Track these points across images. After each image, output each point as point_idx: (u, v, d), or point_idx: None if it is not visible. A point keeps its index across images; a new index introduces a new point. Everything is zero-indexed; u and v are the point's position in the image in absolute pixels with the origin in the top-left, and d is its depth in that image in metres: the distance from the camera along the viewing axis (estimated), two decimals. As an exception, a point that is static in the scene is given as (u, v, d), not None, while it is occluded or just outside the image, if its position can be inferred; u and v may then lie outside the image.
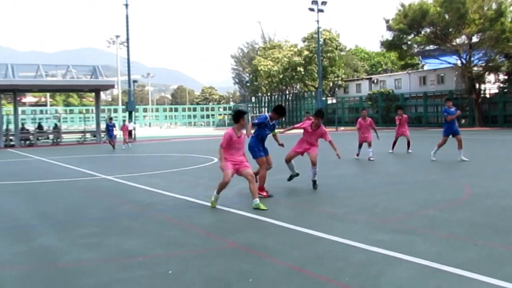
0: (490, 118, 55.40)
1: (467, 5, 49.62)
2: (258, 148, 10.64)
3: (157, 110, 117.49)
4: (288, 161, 11.40)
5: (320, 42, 63.35)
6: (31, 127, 48.81)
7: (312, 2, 57.00)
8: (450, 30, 53.22)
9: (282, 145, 11.38)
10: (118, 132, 34.19)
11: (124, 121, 37.30)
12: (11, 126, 40.87)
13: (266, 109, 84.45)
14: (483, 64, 55.31)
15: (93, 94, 45.88)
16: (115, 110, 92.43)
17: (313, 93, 73.10)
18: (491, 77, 59.66)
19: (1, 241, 7.39)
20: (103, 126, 39.19)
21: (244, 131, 9.92)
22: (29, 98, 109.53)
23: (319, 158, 11.42)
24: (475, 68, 55.76)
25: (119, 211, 9.81)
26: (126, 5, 46.00)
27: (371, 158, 17.99)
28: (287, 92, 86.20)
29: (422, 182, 12.74)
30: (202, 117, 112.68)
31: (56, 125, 45.90)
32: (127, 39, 47.98)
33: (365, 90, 73.15)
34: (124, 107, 69.24)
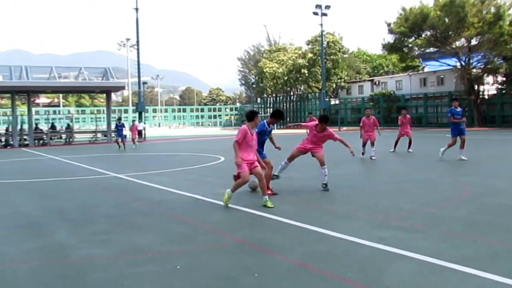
0: (489, 119, 55.26)
1: (466, 9, 49.51)
2: (258, 150, 10.66)
3: (166, 110, 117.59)
4: (290, 160, 11.26)
5: (324, 45, 63.31)
6: (44, 127, 48.91)
7: (316, 6, 56.98)
8: (450, 33, 53.10)
9: (278, 148, 11.35)
10: (128, 132, 34.22)
11: (133, 121, 37.29)
12: (25, 126, 41.03)
13: (271, 109, 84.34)
14: (482, 66, 55.16)
15: (104, 95, 46.03)
16: (126, 111, 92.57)
17: (317, 94, 73.02)
18: (489, 79, 59.54)
19: (15, 238, 7.42)
20: (114, 126, 39.29)
21: (255, 130, 9.94)
22: (42, 99, 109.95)
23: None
24: (474, 70, 55.63)
25: (129, 208, 9.82)
26: (136, 9, 46.09)
27: (373, 157, 17.96)
28: (291, 93, 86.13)
29: (423, 181, 12.70)
30: (210, 117, 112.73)
31: (68, 125, 46.05)
32: (137, 42, 48.04)
33: (367, 91, 73.05)
34: (134, 107, 69.29)
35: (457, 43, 54.82)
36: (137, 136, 35.39)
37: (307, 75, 76.21)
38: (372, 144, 18.33)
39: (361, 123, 19.13)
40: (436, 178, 13.11)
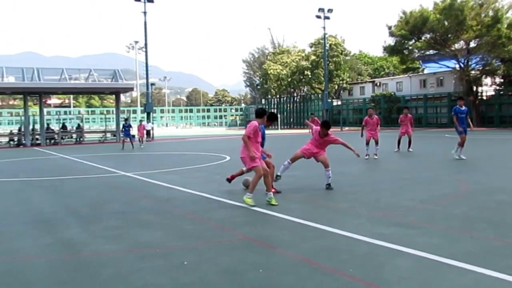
0: (487, 119, 55.11)
1: (465, 12, 49.40)
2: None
3: (173, 111, 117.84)
4: (293, 160, 11.06)
5: (326, 48, 63.22)
6: (55, 127, 49.09)
7: (319, 10, 56.96)
8: (449, 36, 53.00)
9: (269, 155, 11.21)
10: (136, 133, 34.22)
11: (140, 121, 37.32)
12: (37, 126, 41.13)
13: (275, 110, 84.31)
14: (480, 68, 55.04)
15: (114, 96, 46.04)
16: (134, 111, 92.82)
17: (320, 95, 72.91)
18: (487, 80, 59.41)
19: (29, 234, 7.47)
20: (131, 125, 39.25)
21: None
22: (53, 99, 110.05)
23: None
24: (473, 72, 55.51)
25: (138, 205, 9.85)
26: (145, 13, 46.13)
27: (375, 157, 17.93)
28: (295, 95, 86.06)
29: (422, 178, 12.71)
30: (215, 117, 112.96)
31: (79, 125, 46.19)
32: (146, 44, 48.10)
33: (369, 92, 72.95)
34: (142, 108, 69.43)
35: (456, 46, 54.72)
36: (145, 135, 35.37)
37: (310, 76, 76.21)
38: (376, 143, 18.25)
39: (363, 122, 19.03)
40: (434, 176, 13.10)
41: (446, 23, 51.65)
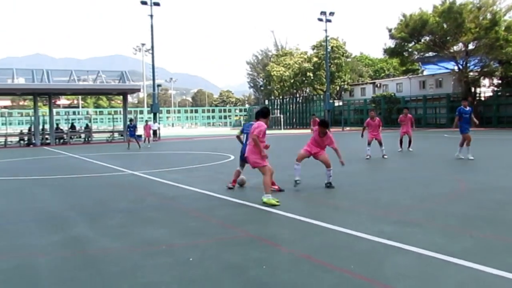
0: (485, 119, 54.96)
1: (464, 15, 49.29)
2: None
3: (179, 111, 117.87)
4: (299, 160, 10.88)
5: (328, 50, 63.17)
6: (64, 127, 49.09)
7: (321, 13, 56.90)
8: (448, 38, 52.88)
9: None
10: (142, 133, 34.21)
11: (146, 121, 37.36)
12: (47, 126, 41.21)
13: (278, 111, 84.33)
14: (479, 70, 54.93)
15: (121, 97, 46.09)
16: (141, 112, 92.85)
17: (322, 96, 72.82)
18: (486, 81, 59.32)
19: (37, 231, 7.47)
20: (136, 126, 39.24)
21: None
22: (63, 100, 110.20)
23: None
24: (471, 73, 55.40)
25: (144, 203, 9.86)
26: (151, 16, 46.14)
27: (385, 156, 17.82)
28: (297, 96, 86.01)
29: (421, 178, 12.68)
30: (220, 118, 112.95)
31: (87, 125, 46.27)
32: (152, 47, 48.11)
33: (369, 93, 72.85)
34: (149, 108, 69.45)
35: (455, 48, 54.63)
36: (151, 135, 35.33)
37: (312, 78, 76.16)
38: (380, 144, 18.11)
39: (365, 124, 18.92)
40: (434, 175, 13.07)
41: (445, 25, 51.54)
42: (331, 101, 64.70)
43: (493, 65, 53.83)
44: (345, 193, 10.44)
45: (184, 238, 6.78)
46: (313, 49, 79.08)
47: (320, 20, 57.19)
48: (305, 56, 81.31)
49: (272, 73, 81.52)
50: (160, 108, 64.27)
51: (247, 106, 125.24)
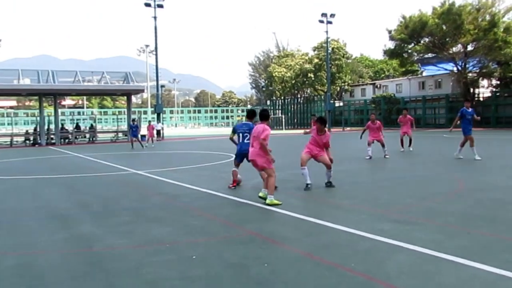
0: (484, 120, 54.83)
1: (463, 16, 49.19)
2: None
3: (182, 112, 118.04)
4: (304, 164, 10.65)
5: (329, 51, 63.13)
6: (69, 127, 49.25)
7: (322, 15, 56.87)
8: (447, 39, 52.78)
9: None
10: (145, 132, 34.19)
11: (149, 121, 37.37)
12: (52, 126, 41.25)
13: (280, 111, 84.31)
14: (477, 71, 54.82)
15: (125, 97, 46.23)
16: (145, 112, 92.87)
17: (322, 97, 72.77)
18: (484, 82, 59.23)
19: (45, 229, 7.49)
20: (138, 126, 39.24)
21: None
22: (68, 101, 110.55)
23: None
24: (470, 74, 55.30)
25: (149, 202, 9.88)
26: (155, 18, 46.16)
27: (387, 156, 17.80)
28: (298, 96, 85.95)
29: (420, 177, 12.68)
30: (223, 118, 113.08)
31: (92, 125, 46.26)
32: (156, 48, 48.14)
33: (369, 94, 72.76)
34: (152, 109, 69.53)
35: (454, 49, 54.51)
36: (154, 135, 35.29)
37: (313, 79, 76.10)
38: (382, 145, 18.04)
39: (365, 127, 18.83)
40: (433, 174, 13.07)
41: (444, 27, 51.44)
42: (331, 101, 64.65)
43: (492, 66, 53.73)
44: (345, 192, 10.44)
45: (187, 236, 6.80)
46: (314, 50, 79.01)
47: (321, 22, 57.17)
48: (306, 58, 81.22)
49: (274, 74, 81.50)
50: (164, 109, 64.41)
51: (249, 106, 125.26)
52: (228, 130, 71.06)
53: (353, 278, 4.82)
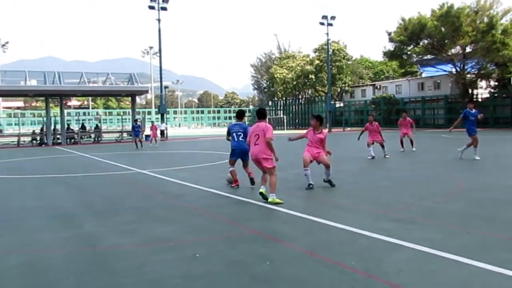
0: (482, 120, 54.73)
1: (461, 19, 49.11)
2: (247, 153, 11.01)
3: (185, 112, 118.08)
4: (306, 165, 10.61)
5: (330, 53, 63.07)
6: (75, 127, 49.28)
7: (323, 17, 56.79)
8: (446, 41, 52.67)
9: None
10: (149, 132, 34.21)
11: (152, 122, 37.38)
12: (58, 126, 41.31)
13: (281, 112, 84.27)
14: (476, 72, 54.70)
15: (130, 98, 46.24)
16: (149, 113, 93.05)
17: (323, 98, 72.70)
18: (483, 83, 59.08)
19: (49, 227, 7.50)
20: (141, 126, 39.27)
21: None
22: (73, 101, 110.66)
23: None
24: (468, 75, 55.17)
25: (152, 201, 9.88)
26: (159, 20, 46.16)
27: (387, 156, 17.78)
28: (300, 97, 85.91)
29: (420, 176, 12.65)
30: (225, 118, 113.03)
31: (97, 125, 46.28)
32: (160, 50, 48.16)
33: (369, 95, 72.73)
34: (156, 109, 69.61)
35: (453, 51, 54.39)
36: (157, 135, 35.23)
37: (314, 80, 76.11)
38: (382, 146, 18.00)
39: (364, 128, 18.78)
40: (432, 174, 13.04)
41: (443, 29, 51.34)
42: (332, 102, 64.58)
43: (490, 67, 53.60)
44: (346, 191, 10.42)
45: (190, 235, 6.79)
46: (315, 52, 79.00)
47: (322, 24, 57.09)
48: (307, 59, 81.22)
49: (276, 75, 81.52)
50: (167, 109, 64.31)
51: (251, 107, 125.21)
52: (230, 130, 70.83)
53: (353, 275, 4.81)
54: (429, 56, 58.38)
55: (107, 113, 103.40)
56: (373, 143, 17.96)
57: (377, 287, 4.51)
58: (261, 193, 9.11)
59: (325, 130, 11.08)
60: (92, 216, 8.26)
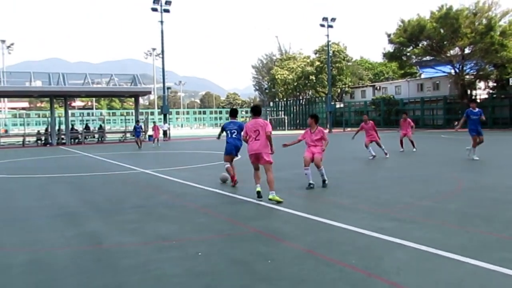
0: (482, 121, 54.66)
1: (460, 20, 49.10)
2: (237, 148, 11.55)
3: (187, 113, 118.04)
4: (307, 164, 10.63)
5: (330, 54, 63.06)
6: (79, 127, 49.28)
7: (323, 19, 56.76)
8: (445, 43, 52.65)
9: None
10: (152, 133, 34.22)
11: (154, 122, 37.41)
12: (63, 127, 41.38)
13: (282, 112, 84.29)
14: (474, 73, 54.66)
15: (133, 99, 46.32)
16: (152, 113, 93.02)
17: (324, 99, 72.72)
18: (481, 84, 59.06)
19: (54, 226, 7.50)
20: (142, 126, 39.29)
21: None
22: (78, 102, 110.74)
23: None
24: (467, 76, 55.13)
25: (155, 200, 9.88)
26: (161, 22, 46.20)
27: (386, 155, 17.76)
28: (300, 98, 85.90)
29: (419, 176, 12.63)
30: (227, 119, 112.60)
31: (100, 125, 46.45)
32: (162, 51, 48.19)
33: (369, 95, 72.72)
34: (159, 110, 69.62)
35: (452, 52, 54.37)
36: (159, 135, 35.21)
37: (314, 81, 76.18)
38: (379, 145, 17.94)
39: (359, 128, 18.74)
40: (431, 174, 13.02)
41: (442, 31, 51.32)
42: (332, 103, 64.57)
43: (489, 68, 53.56)
44: (346, 191, 10.41)
45: (193, 233, 6.79)
46: (316, 53, 79.06)
47: (322, 26, 57.07)
48: (308, 60, 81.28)
49: (277, 77, 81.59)
50: (170, 110, 64.34)
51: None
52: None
53: (353, 274, 4.81)
54: (428, 58, 58.37)
55: (111, 114, 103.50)
56: (370, 143, 17.94)
57: (377, 286, 4.51)
58: (258, 192, 9.19)
59: (321, 128, 11.07)
60: (96, 215, 8.26)
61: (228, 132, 11.39)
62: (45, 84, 39.82)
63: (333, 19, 57.07)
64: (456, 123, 16.79)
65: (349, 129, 61.59)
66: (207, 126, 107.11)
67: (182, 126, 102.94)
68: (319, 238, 6.27)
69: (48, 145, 37.46)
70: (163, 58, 48.46)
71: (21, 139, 39.79)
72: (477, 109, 16.43)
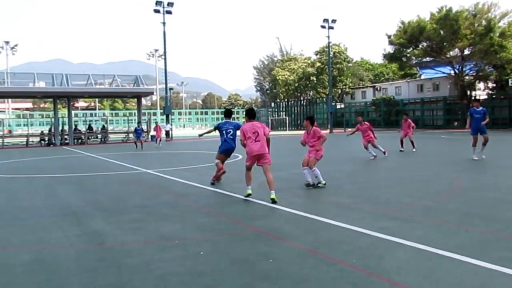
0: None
1: (459, 22, 49.07)
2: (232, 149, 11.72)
3: (190, 113, 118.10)
4: (305, 165, 10.70)
5: (331, 55, 63.04)
6: (82, 128, 49.36)
7: (324, 21, 56.74)
8: (445, 44, 52.63)
9: None
10: (153, 133, 34.26)
11: (156, 122, 37.47)
12: (66, 127, 41.41)
13: (283, 113, 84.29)
14: (474, 74, 54.61)
15: (135, 99, 46.29)
16: (154, 114, 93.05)
17: (324, 99, 72.69)
18: (481, 85, 58.99)
19: (58, 225, 7.50)
20: (144, 127, 39.33)
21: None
22: (81, 103, 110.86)
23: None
24: (467, 77, 55.10)
25: (158, 200, 9.88)
26: (164, 23, 46.19)
27: (385, 154, 17.73)
28: (301, 98, 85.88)
29: (419, 176, 12.62)
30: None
31: (103, 126, 46.37)
32: (165, 52, 48.18)
33: (370, 96, 72.69)
34: (161, 111, 69.72)
35: (451, 53, 54.34)
36: (161, 136, 35.20)
37: (315, 82, 76.10)
38: (375, 146, 17.87)
39: (355, 129, 18.69)
40: (431, 174, 13.01)
41: (441, 32, 51.29)
42: (333, 103, 64.52)
43: (488, 69, 53.51)
44: (346, 191, 10.41)
45: (195, 233, 6.80)
46: (316, 54, 78.98)
47: (323, 27, 57.04)
48: (309, 61, 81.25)
49: (278, 77, 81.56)
50: (172, 110, 64.23)
51: (254, 108, 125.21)
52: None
53: (353, 273, 4.81)
54: (428, 59, 58.33)
55: (114, 114, 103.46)
56: (368, 143, 17.92)
57: (377, 285, 4.50)
58: (249, 195, 9.28)
59: (317, 128, 11.05)
60: (99, 215, 8.26)
61: (224, 131, 11.50)
62: (49, 85, 39.87)
63: (333, 21, 57.04)
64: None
65: (349, 129, 61.48)
66: (209, 126, 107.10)
67: (184, 127, 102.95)
68: (320, 237, 6.27)
69: (51, 145, 37.52)
70: (165, 59, 48.47)
71: (24, 139, 39.87)
72: (480, 108, 16.39)
